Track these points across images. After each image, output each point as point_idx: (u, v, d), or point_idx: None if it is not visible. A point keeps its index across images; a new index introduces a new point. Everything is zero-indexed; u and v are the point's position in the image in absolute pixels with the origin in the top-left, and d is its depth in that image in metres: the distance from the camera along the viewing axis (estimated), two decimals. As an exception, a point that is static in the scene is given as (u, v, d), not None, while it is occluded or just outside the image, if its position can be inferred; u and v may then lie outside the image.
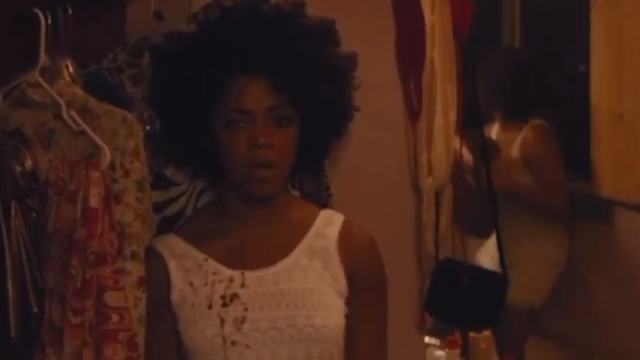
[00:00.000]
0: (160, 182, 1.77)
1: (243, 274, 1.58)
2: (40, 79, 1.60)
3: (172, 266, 1.60)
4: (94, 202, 1.47)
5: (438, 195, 2.20)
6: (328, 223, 1.65)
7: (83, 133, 1.53)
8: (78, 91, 1.59)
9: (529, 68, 3.19)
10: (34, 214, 1.48)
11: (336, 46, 1.60)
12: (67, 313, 1.50)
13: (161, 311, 1.59)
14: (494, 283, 2.34)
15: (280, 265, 1.60)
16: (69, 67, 1.64)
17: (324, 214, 1.68)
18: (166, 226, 1.74)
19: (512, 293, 2.34)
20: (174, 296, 1.59)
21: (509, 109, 3.15)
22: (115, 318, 1.49)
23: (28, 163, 1.43)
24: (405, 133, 2.17)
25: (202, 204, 1.79)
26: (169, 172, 1.78)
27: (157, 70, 1.58)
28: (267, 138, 1.53)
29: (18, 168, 1.42)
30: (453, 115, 2.16)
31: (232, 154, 1.54)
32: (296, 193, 1.85)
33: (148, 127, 1.64)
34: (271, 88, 1.54)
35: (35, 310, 1.45)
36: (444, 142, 2.15)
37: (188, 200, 1.81)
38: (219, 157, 1.58)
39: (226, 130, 1.54)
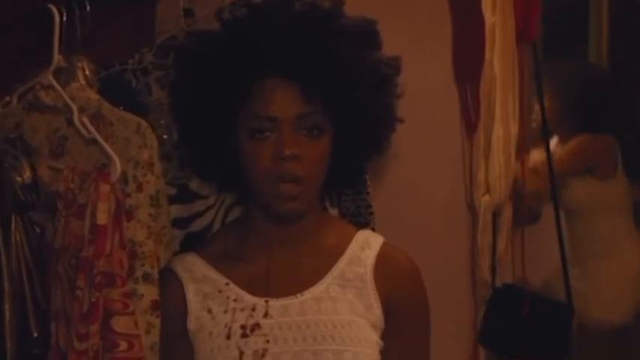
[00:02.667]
0: (183, 195, 1.72)
1: (267, 302, 1.51)
2: (54, 82, 1.56)
3: (190, 290, 1.54)
4: (102, 218, 1.42)
5: (495, 215, 2.10)
6: (365, 247, 1.57)
7: (95, 141, 1.49)
8: (92, 95, 1.55)
9: (602, 85, 3.08)
10: (38, 229, 1.43)
11: (377, 49, 1.52)
12: (71, 337, 1.45)
13: (177, 339, 1.53)
14: (559, 312, 2.23)
15: (308, 294, 1.52)
16: (85, 69, 1.60)
17: (361, 235, 1.60)
18: (191, 243, 1.69)
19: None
20: (191, 324, 1.53)
21: (573, 125, 3.03)
22: (124, 345, 1.43)
23: (26, 175, 1.38)
24: (461, 145, 2.07)
25: (232, 220, 1.73)
26: (194, 185, 1.73)
27: (177, 71, 1.52)
28: (294, 149, 1.45)
29: (18, 179, 1.37)
30: (514, 127, 2.06)
31: (256, 166, 1.47)
32: (334, 211, 1.79)
33: (165, 136, 1.59)
34: (301, 93, 1.46)
35: (36, 334, 1.40)
36: (503, 157, 2.05)
37: (215, 215, 1.75)
38: (244, 168, 1.51)
39: (250, 139, 1.47)
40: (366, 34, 1.51)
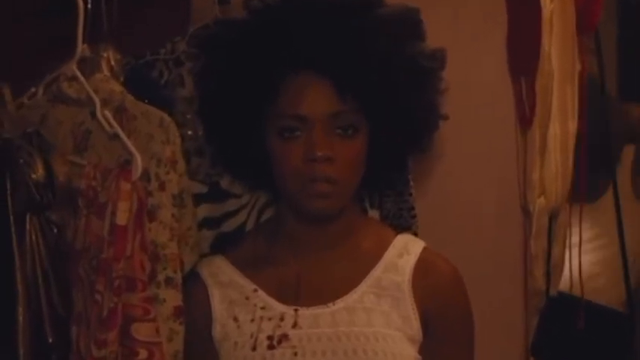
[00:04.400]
0: (214, 194, 1.72)
1: (296, 311, 1.50)
2: (77, 73, 1.57)
3: (215, 297, 1.54)
4: (122, 218, 1.42)
5: (551, 219, 2.05)
6: (403, 252, 1.55)
7: (117, 136, 1.48)
8: (116, 87, 1.55)
9: None
10: (55, 230, 1.43)
11: (419, 40, 1.49)
12: (89, 343, 1.45)
13: (202, 348, 1.53)
14: (619, 324, 2.17)
15: (341, 303, 1.50)
16: (110, 60, 1.60)
17: (400, 240, 1.58)
18: (223, 245, 1.69)
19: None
20: (217, 331, 1.52)
21: None
22: (144, 354, 1.43)
23: (39, 173, 1.38)
24: (514, 143, 2.02)
25: (264, 220, 1.72)
26: (225, 183, 1.72)
27: (203, 63, 1.51)
28: (327, 151, 1.43)
29: (33, 176, 1.37)
30: (572, 124, 2.00)
31: (285, 167, 1.45)
32: (375, 213, 1.77)
33: (190, 132, 1.58)
34: (334, 90, 1.44)
35: (51, 340, 1.40)
36: (560, 156, 2.00)
37: (248, 215, 1.75)
38: (273, 168, 1.49)
39: (279, 138, 1.46)
40: (408, 24, 1.48)
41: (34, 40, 1.85)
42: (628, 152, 2.55)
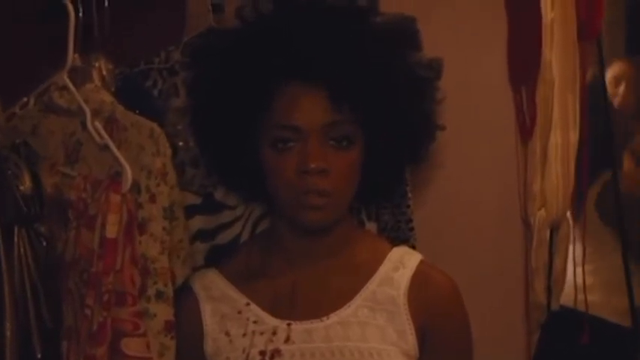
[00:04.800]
0: (208, 205, 1.72)
1: (289, 325, 1.49)
2: (68, 82, 1.57)
3: (207, 311, 1.53)
4: (111, 231, 1.41)
5: (552, 231, 2.03)
6: (399, 266, 1.54)
7: (108, 147, 1.48)
8: (106, 97, 1.55)
9: None
10: (44, 242, 1.42)
11: (416, 50, 1.49)
12: (80, 359, 1.45)
13: (194, 363, 1.53)
14: (623, 339, 2.15)
15: (335, 317, 1.49)
16: (101, 69, 1.60)
17: (396, 253, 1.57)
18: (217, 257, 1.68)
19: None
20: (208, 346, 1.52)
21: None
22: (134, 370, 1.43)
23: (26, 185, 1.38)
24: (514, 154, 1.99)
25: (258, 232, 1.71)
26: (219, 194, 1.72)
27: (195, 73, 1.51)
28: (320, 163, 1.42)
29: (21, 188, 1.36)
30: (574, 134, 1.97)
31: (278, 178, 1.45)
32: (372, 225, 1.77)
33: (181, 143, 1.57)
34: (329, 100, 1.43)
35: (39, 356, 1.39)
36: (561, 167, 1.96)
37: (243, 227, 1.74)
38: (266, 180, 1.49)
39: (272, 149, 1.45)
40: (404, 34, 1.48)
41: (30, 43, 1.85)
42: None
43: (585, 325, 2.09)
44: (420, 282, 1.52)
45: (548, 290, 2.08)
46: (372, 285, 1.51)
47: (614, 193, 2.18)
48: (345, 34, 1.44)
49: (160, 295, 1.45)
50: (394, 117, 1.47)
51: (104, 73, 1.59)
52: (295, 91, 1.43)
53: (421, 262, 1.55)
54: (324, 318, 1.48)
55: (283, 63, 1.42)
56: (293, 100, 1.43)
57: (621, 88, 2.56)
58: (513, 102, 2.04)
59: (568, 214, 2.08)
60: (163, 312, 1.46)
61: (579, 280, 2.10)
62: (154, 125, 1.45)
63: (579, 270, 2.10)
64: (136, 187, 1.45)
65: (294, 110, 1.43)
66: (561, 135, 2.02)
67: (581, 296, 2.12)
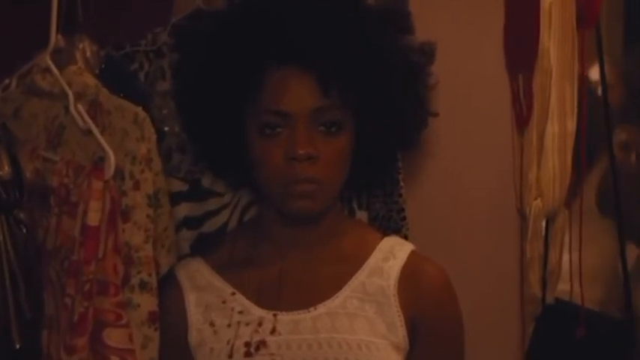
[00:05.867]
0: (195, 192, 1.71)
1: (275, 316, 1.48)
2: (51, 64, 1.55)
3: (191, 300, 1.52)
4: (93, 218, 1.40)
5: (548, 222, 2.02)
6: (389, 256, 1.53)
7: (91, 132, 1.47)
8: (90, 80, 1.53)
9: None
10: (24, 229, 1.41)
11: (407, 33, 1.48)
12: (59, 349, 1.44)
13: (177, 355, 1.51)
14: (620, 333, 2.15)
15: (322, 308, 1.48)
16: (85, 51, 1.58)
17: (387, 243, 1.56)
18: (204, 246, 1.67)
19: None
20: (192, 337, 1.51)
21: None
22: (116, 361, 1.42)
23: (5, 170, 1.36)
24: (510, 143, 1.98)
25: (245, 220, 1.71)
26: (207, 181, 1.72)
27: (180, 56, 1.50)
28: (309, 149, 1.41)
29: (0, 172, 1.35)
30: (571, 124, 1.97)
31: (266, 166, 1.44)
32: (363, 215, 1.75)
33: (167, 128, 1.56)
34: (318, 84, 1.42)
35: (18, 346, 1.38)
36: (557, 157, 1.95)
37: (231, 215, 1.74)
38: (254, 167, 1.48)
39: (260, 136, 1.44)
40: (395, 16, 1.47)
41: (12, 23, 1.83)
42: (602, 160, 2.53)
43: (581, 318, 2.11)
44: (410, 273, 1.51)
45: (543, 282, 2.08)
46: (361, 275, 1.50)
47: (612, 183, 2.19)
48: (335, 16, 1.43)
49: (143, 285, 1.44)
50: (384, 102, 1.46)
51: (88, 54, 1.57)
52: (283, 75, 1.42)
53: (412, 252, 1.54)
54: (312, 309, 1.48)
55: (272, 46, 1.41)
56: (281, 85, 1.42)
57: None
58: (510, 89, 2.03)
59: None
60: (147, 302, 1.44)
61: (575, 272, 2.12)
62: (139, 109, 1.44)
63: (575, 261, 2.12)
64: (119, 173, 1.43)
65: (282, 95, 1.42)
66: (558, 124, 2.00)
67: (576, 288, 2.14)
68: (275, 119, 1.42)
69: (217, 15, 1.47)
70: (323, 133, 1.43)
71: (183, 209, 1.68)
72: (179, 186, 1.67)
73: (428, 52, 1.49)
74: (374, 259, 1.52)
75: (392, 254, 1.53)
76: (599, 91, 2.34)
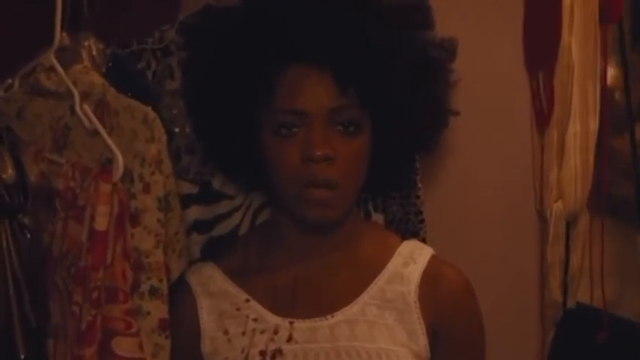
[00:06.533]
0: (206, 195, 1.67)
1: (291, 323, 1.44)
2: (56, 63, 1.51)
3: (204, 307, 1.48)
4: (101, 223, 1.36)
5: (569, 225, 1.98)
6: (409, 261, 1.49)
7: (98, 133, 1.43)
8: (96, 79, 1.49)
9: None
10: (28, 235, 1.37)
11: (428, 29, 1.44)
12: (67, 359, 1.40)
13: (190, 364, 1.48)
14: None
15: (340, 315, 1.44)
16: (91, 49, 1.55)
17: (406, 247, 1.52)
18: (215, 250, 1.64)
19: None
20: (205, 346, 1.47)
21: None
22: (125, 371, 1.39)
23: (9, 173, 1.32)
24: (530, 143, 1.94)
25: (258, 224, 1.66)
26: (217, 183, 1.68)
27: (191, 54, 1.46)
28: (326, 150, 1.37)
29: (3, 176, 1.31)
30: (593, 123, 1.93)
31: (281, 167, 1.39)
32: (379, 217, 1.71)
33: (177, 129, 1.52)
34: (335, 83, 1.37)
35: (23, 357, 1.34)
36: (579, 157, 1.92)
37: (243, 218, 1.70)
38: (268, 168, 1.44)
39: (275, 136, 1.39)
40: (415, 12, 1.43)
41: (15, 21, 1.80)
42: None
43: (603, 323, 2.07)
44: (431, 278, 1.47)
45: (564, 287, 2.04)
46: (380, 281, 1.46)
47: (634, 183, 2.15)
48: (352, 11, 1.38)
49: (153, 292, 1.40)
50: (404, 101, 1.41)
51: (94, 53, 1.53)
52: (299, 73, 1.38)
53: (432, 257, 1.50)
54: (329, 316, 1.44)
55: (286, 44, 1.37)
56: (297, 83, 1.38)
57: None
58: (529, 87, 1.99)
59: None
60: (157, 309, 1.40)
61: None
62: (148, 109, 1.40)
63: (597, 265, 2.08)
64: (128, 175, 1.39)
65: (298, 94, 1.37)
66: (580, 123, 1.96)
67: (598, 293, 2.10)
68: (291, 119, 1.38)
69: (229, 11, 1.43)
70: (340, 133, 1.39)
71: (194, 212, 1.64)
72: (189, 188, 1.63)
73: (449, 48, 1.45)
74: (393, 264, 1.48)
75: (412, 259, 1.49)
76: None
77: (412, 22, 1.42)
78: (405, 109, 1.42)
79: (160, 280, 1.41)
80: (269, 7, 1.39)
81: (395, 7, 1.41)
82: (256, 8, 1.40)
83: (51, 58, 1.51)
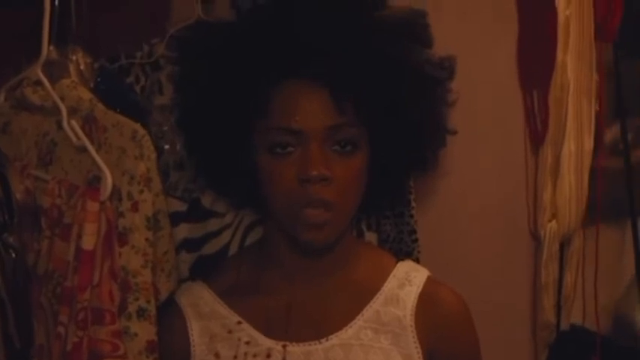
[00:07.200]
0: (195, 212, 1.64)
1: (285, 347, 1.40)
2: (42, 77, 1.47)
3: (195, 330, 1.44)
4: (88, 242, 1.32)
5: (563, 245, 1.96)
6: (405, 283, 1.45)
7: (86, 149, 1.39)
8: (84, 94, 1.45)
9: None
10: (13, 254, 1.33)
11: (426, 46, 1.40)
12: (51, 382, 1.36)
13: (178, 388, 1.43)
14: (638, 360, 2.08)
15: (335, 339, 1.40)
16: (79, 63, 1.51)
17: (401, 268, 1.48)
18: (204, 269, 1.60)
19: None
20: (195, 369, 1.43)
21: None
22: (112, 395, 1.34)
23: (-7, 192, 1.28)
24: (524, 162, 1.93)
25: (251, 242, 1.63)
26: (207, 201, 1.64)
27: (183, 69, 1.42)
28: (323, 170, 1.33)
29: (-11, 194, 1.27)
30: (588, 142, 1.91)
31: (276, 187, 1.35)
32: (372, 236, 1.68)
33: (167, 146, 1.49)
34: (332, 100, 1.33)
35: (6, 380, 1.30)
36: (574, 177, 1.91)
37: (233, 236, 1.67)
38: (261, 187, 1.40)
39: (269, 155, 1.35)
40: (413, 29, 1.39)
41: (2, 38, 1.77)
42: None
43: (596, 346, 2.05)
44: (428, 301, 1.43)
45: (558, 308, 2.02)
46: (375, 304, 1.43)
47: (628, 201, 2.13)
48: (350, 28, 1.35)
49: (141, 313, 1.36)
50: (402, 119, 1.38)
51: (82, 67, 1.50)
52: (295, 90, 1.34)
53: (429, 278, 1.47)
54: (323, 340, 1.40)
55: (282, 59, 1.33)
56: (292, 101, 1.34)
57: None
58: (523, 106, 1.98)
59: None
60: (145, 331, 1.36)
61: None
62: (138, 126, 1.36)
63: (591, 286, 2.05)
64: (116, 193, 1.35)
65: (294, 112, 1.33)
66: (575, 142, 1.95)
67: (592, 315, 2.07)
68: (286, 138, 1.34)
69: (223, 26, 1.39)
70: (337, 152, 1.35)
71: (183, 230, 1.61)
72: (178, 206, 1.60)
73: (448, 66, 1.41)
74: (388, 286, 1.44)
75: (407, 280, 1.45)
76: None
77: (411, 40, 1.38)
78: (404, 128, 1.39)
79: (148, 301, 1.37)
80: (264, 22, 1.35)
81: (394, 24, 1.37)
82: (251, 23, 1.36)
83: (38, 71, 1.46)
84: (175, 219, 1.58)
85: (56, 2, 1.48)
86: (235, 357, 1.40)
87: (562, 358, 2.02)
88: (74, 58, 1.51)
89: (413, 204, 1.68)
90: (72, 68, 1.48)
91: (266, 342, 1.41)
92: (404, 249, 1.67)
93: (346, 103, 1.34)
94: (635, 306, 2.28)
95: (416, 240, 1.68)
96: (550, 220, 1.95)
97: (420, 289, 1.44)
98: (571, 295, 1.98)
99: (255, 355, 1.40)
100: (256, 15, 1.37)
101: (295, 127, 1.34)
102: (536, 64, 1.91)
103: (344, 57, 1.33)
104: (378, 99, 1.36)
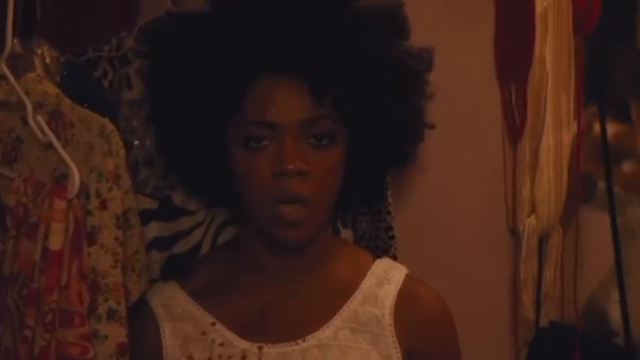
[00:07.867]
0: (166, 210, 1.60)
1: (260, 348, 1.37)
2: (7, 72, 1.43)
3: (167, 331, 1.41)
4: (55, 242, 1.28)
5: (542, 241, 1.94)
6: (383, 281, 1.42)
7: (52, 146, 1.35)
8: (50, 88, 1.41)
9: None
10: (-19, 254, 1.29)
11: (403, 38, 1.37)
12: (18, 388, 1.32)
13: (150, 392, 1.40)
14: (617, 357, 2.07)
15: (312, 340, 1.37)
16: (44, 56, 1.47)
17: (379, 266, 1.45)
18: (175, 268, 1.56)
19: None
20: (167, 373, 1.40)
21: None
22: (81, 400, 1.30)
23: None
24: (502, 156, 1.92)
25: (224, 240, 1.60)
26: (178, 198, 1.60)
27: (154, 63, 1.37)
28: (299, 163, 1.30)
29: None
30: (567, 136, 1.90)
31: (251, 182, 1.32)
32: (348, 234, 1.66)
33: (137, 142, 1.45)
34: (308, 93, 1.30)
35: (-27, 385, 1.26)
36: (553, 171, 1.89)
37: (204, 235, 1.63)
38: (236, 183, 1.36)
39: (244, 149, 1.32)
40: (391, 20, 1.36)
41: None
42: None
43: (576, 343, 2.03)
44: (406, 299, 1.41)
45: (537, 304, 2.01)
46: (353, 303, 1.40)
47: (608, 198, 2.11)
48: (327, 19, 1.31)
49: (111, 315, 1.32)
50: (380, 112, 1.35)
51: (47, 60, 1.46)
52: (269, 82, 1.31)
53: (407, 276, 1.44)
54: (300, 340, 1.37)
55: (258, 52, 1.29)
56: (267, 93, 1.30)
57: None
58: (501, 100, 1.95)
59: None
60: (115, 333, 1.33)
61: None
62: (106, 121, 1.32)
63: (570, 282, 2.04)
64: (84, 191, 1.31)
65: (268, 104, 1.30)
66: (554, 136, 1.93)
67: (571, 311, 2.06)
68: (261, 131, 1.31)
69: (195, 17, 1.35)
70: (313, 146, 1.32)
71: (153, 229, 1.57)
72: (148, 203, 1.56)
73: (426, 58, 1.39)
74: (367, 284, 1.41)
75: (386, 279, 1.42)
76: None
77: (388, 31, 1.35)
78: (382, 121, 1.36)
79: (118, 302, 1.33)
80: (238, 14, 1.32)
81: (371, 15, 1.34)
82: (224, 14, 1.33)
83: (1, 65, 1.42)
84: (146, 217, 1.53)
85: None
86: (209, 359, 1.37)
87: (541, 355, 2.00)
88: (39, 51, 1.47)
89: (390, 200, 1.66)
90: (37, 62, 1.44)
91: (241, 343, 1.38)
92: (381, 246, 1.65)
93: (323, 96, 1.31)
94: (609, 301, 2.28)
95: (393, 237, 1.66)
96: (529, 216, 1.93)
97: (398, 287, 1.42)
98: (550, 291, 1.97)
99: (229, 357, 1.36)
100: (231, 6, 1.33)
101: (270, 120, 1.31)
102: (514, 57, 1.89)
103: (321, 49, 1.30)
104: (357, 92, 1.33)
